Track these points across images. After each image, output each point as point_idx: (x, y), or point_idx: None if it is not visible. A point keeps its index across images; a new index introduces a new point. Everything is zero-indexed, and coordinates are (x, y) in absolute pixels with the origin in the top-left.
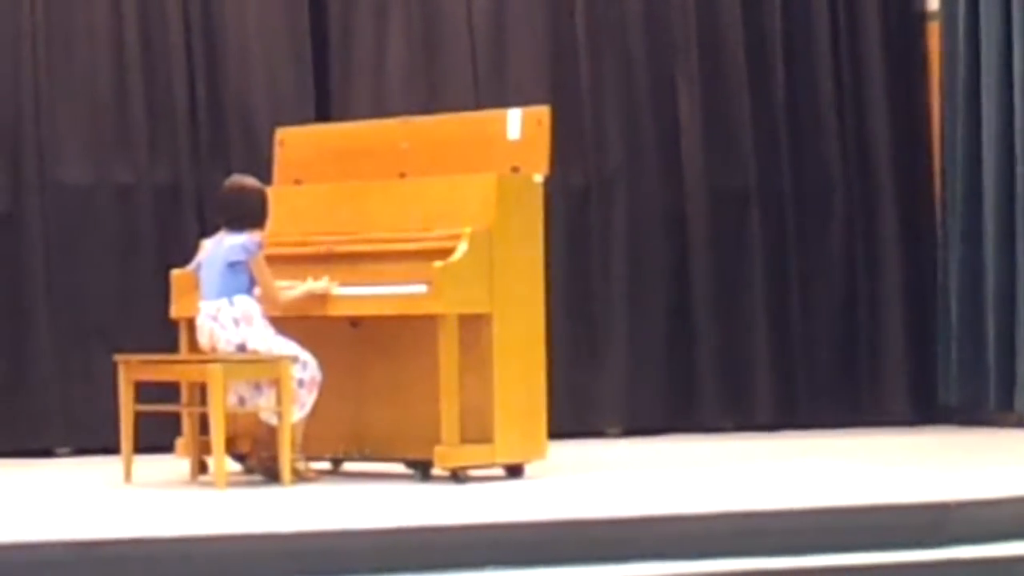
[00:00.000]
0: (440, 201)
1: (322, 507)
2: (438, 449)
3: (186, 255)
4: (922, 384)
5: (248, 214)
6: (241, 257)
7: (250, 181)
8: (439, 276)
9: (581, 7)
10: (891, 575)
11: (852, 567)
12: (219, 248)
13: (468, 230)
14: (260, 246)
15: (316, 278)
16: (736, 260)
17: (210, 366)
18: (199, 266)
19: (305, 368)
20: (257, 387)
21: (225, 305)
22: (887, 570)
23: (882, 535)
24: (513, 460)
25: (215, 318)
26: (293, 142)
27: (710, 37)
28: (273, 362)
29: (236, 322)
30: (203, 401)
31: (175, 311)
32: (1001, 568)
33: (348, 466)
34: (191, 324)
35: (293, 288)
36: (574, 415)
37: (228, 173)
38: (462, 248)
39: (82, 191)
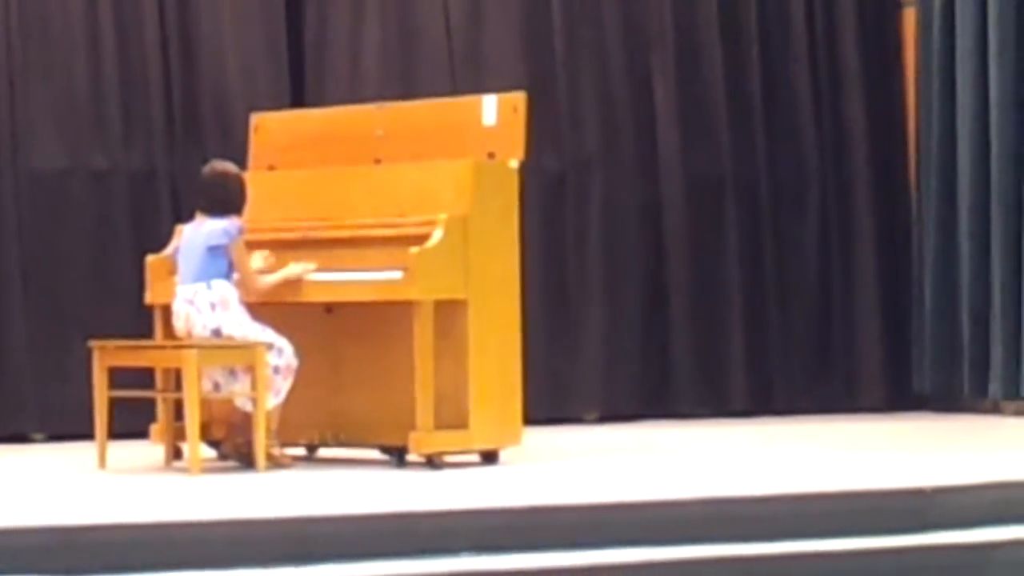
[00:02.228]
0: (415, 187)
1: (297, 493)
2: (413, 435)
3: (161, 241)
4: (897, 371)
5: (228, 200)
6: (222, 241)
7: (230, 167)
8: (414, 262)
9: None
10: (868, 561)
11: (829, 553)
12: (199, 232)
13: (444, 216)
14: (241, 231)
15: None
16: (711, 247)
17: (185, 352)
18: (176, 251)
19: (280, 355)
20: (232, 373)
21: (203, 289)
22: (864, 556)
23: (859, 521)
24: (488, 446)
25: (192, 302)
26: (268, 127)
27: (686, 23)
28: (248, 348)
29: (212, 306)
30: (178, 387)
31: (150, 297)
32: (978, 553)
33: (323, 452)
34: (166, 310)
35: (270, 273)
36: (550, 401)
37: (203, 158)
38: (438, 234)
39: (56, 176)
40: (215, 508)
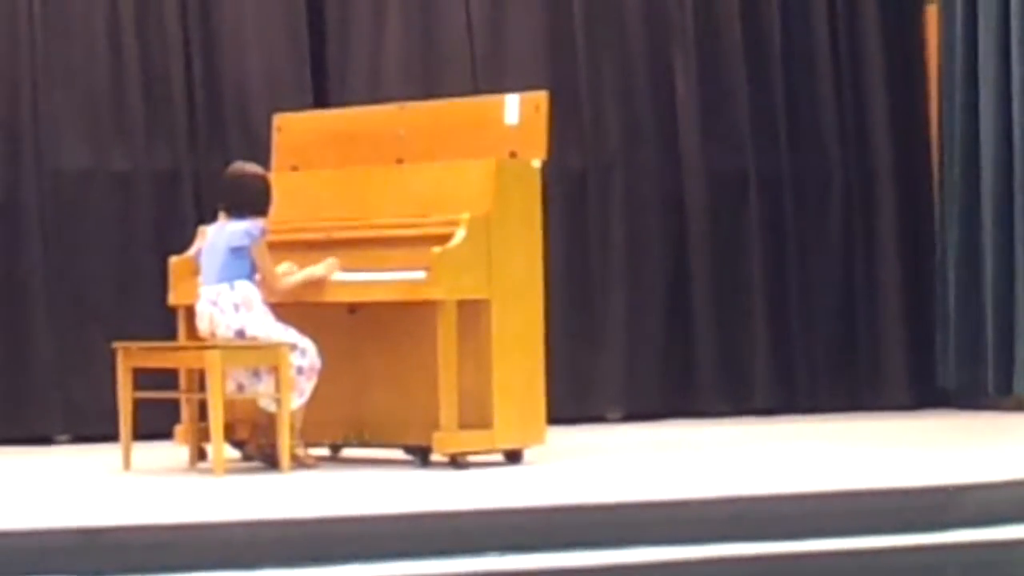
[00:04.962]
0: (438, 187)
1: (321, 493)
2: (437, 435)
3: (184, 241)
4: (920, 368)
5: (251, 201)
6: (244, 242)
7: (253, 168)
8: (437, 262)
9: None
10: (892, 559)
11: (852, 551)
12: (221, 233)
13: (466, 216)
14: (264, 232)
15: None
16: (734, 244)
17: (208, 352)
18: (199, 252)
19: (304, 355)
20: (256, 374)
21: (226, 290)
22: (888, 554)
23: (883, 519)
24: (512, 445)
25: (215, 303)
26: (291, 128)
27: (707, 20)
28: (272, 349)
29: (236, 307)
30: (202, 388)
31: (173, 297)
32: (1002, 551)
33: (347, 452)
34: (189, 311)
35: (292, 274)
36: (573, 400)
37: (226, 159)
38: (460, 234)
39: (80, 177)
40: (239, 509)
